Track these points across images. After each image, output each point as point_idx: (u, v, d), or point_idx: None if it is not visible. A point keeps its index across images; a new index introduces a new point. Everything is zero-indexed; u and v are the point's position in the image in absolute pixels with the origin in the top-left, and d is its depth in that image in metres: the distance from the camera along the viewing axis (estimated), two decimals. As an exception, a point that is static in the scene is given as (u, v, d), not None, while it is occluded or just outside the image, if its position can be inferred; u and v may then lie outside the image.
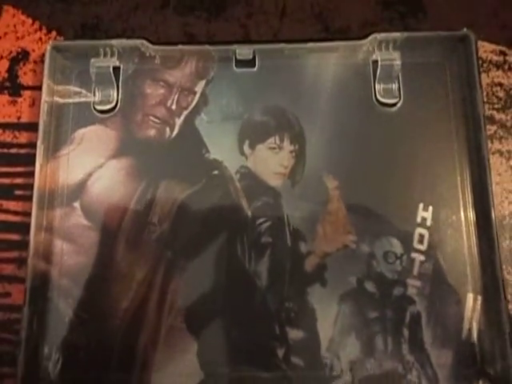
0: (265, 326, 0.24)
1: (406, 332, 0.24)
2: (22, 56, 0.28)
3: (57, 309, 0.24)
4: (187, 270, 0.25)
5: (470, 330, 0.24)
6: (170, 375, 0.24)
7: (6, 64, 0.28)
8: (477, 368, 0.24)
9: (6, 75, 0.28)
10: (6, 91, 0.27)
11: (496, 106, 0.27)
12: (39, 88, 0.27)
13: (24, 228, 0.26)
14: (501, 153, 0.26)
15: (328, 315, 0.24)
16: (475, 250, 0.25)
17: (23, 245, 0.25)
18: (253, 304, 0.24)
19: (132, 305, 0.24)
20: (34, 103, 0.27)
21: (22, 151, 0.27)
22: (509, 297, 0.25)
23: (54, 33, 0.28)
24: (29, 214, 0.25)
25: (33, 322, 0.24)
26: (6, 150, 0.27)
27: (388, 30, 0.27)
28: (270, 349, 0.24)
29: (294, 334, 0.24)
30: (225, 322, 0.24)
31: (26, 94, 0.27)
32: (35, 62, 0.28)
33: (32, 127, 0.27)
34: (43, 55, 0.27)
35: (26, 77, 0.28)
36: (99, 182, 0.26)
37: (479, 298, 0.24)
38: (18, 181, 0.26)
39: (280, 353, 0.24)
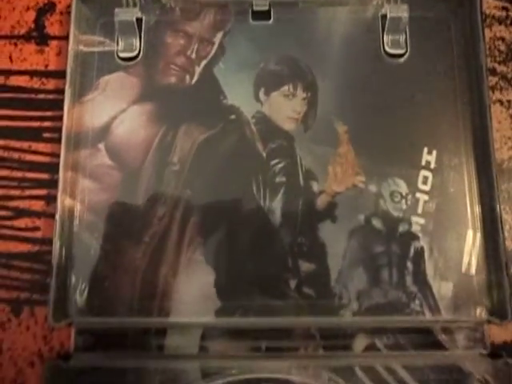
0: (278, 259, 0.25)
1: (409, 265, 0.26)
2: (49, 7, 0.29)
3: (83, 242, 0.25)
4: (205, 207, 0.26)
5: (469, 263, 0.25)
6: (188, 303, 0.25)
7: (33, 15, 0.29)
8: (475, 298, 0.25)
9: (33, 25, 0.29)
10: (33, 41, 0.28)
11: (498, 59, 0.28)
12: (65, 38, 0.28)
13: (52, 168, 0.27)
14: (501, 102, 0.27)
15: (337, 249, 0.25)
16: (475, 191, 0.26)
17: (51, 183, 0.26)
18: (267, 239, 0.26)
19: (153, 239, 0.26)
20: (61, 52, 0.28)
21: (50, 97, 0.28)
22: (506, 234, 0.26)
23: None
24: (57, 155, 0.26)
25: (62, 253, 0.25)
26: (34, 96, 0.28)
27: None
28: (283, 280, 0.25)
29: (306, 267, 0.26)
30: (241, 255, 0.25)
31: (53, 43, 0.28)
32: (61, 13, 0.29)
33: (59, 75, 0.28)
34: (69, 6, 0.28)
35: (52, 27, 0.29)
36: (122, 125, 0.27)
37: (478, 234, 0.26)
38: (46, 124, 0.28)
39: (292, 283, 0.25)
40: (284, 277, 0.25)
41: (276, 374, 0.24)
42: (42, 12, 0.29)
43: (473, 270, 0.25)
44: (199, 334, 0.25)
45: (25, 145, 0.27)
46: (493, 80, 0.28)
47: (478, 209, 0.26)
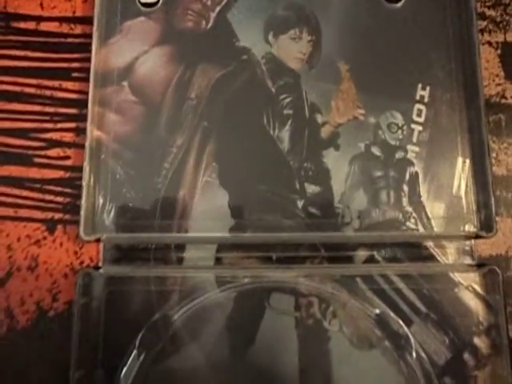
0: (286, 182, 0.27)
1: (405, 188, 0.27)
2: None
3: (109, 168, 0.27)
4: (220, 136, 0.28)
5: (459, 186, 0.27)
6: (205, 221, 0.27)
7: None
8: (464, 216, 0.27)
9: None
10: None
11: (487, 4, 0.30)
12: None
13: (81, 103, 0.29)
14: (490, 43, 0.29)
15: (340, 174, 0.27)
16: (465, 122, 0.28)
17: (80, 117, 0.28)
18: (276, 164, 0.28)
19: (172, 165, 0.28)
20: (86, 0, 0.30)
21: (77, 40, 0.30)
22: (493, 160, 0.28)
23: None
24: (84, 92, 0.29)
25: (90, 178, 0.27)
26: (63, 40, 0.30)
27: None
28: (291, 200, 0.27)
29: (312, 189, 0.27)
30: (252, 179, 0.27)
31: None
32: None
33: (85, 20, 0.30)
34: None
35: None
36: (144, 65, 0.29)
37: (467, 161, 0.27)
38: (75, 65, 0.29)
39: (299, 204, 0.27)
40: (292, 198, 0.27)
41: (284, 283, 0.26)
42: (70, -36, 0.31)
43: (462, 192, 0.27)
44: (214, 248, 0.27)
45: (56, 83, 0.29)
46: (482, 24, 0.30)
47: (467, 138, 0.28)
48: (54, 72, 0.29)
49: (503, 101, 0.29)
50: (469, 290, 0.26)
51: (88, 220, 0.27)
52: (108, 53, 0.29)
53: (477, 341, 0.26)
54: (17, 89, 0.29)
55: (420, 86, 0.28)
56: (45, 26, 0.30)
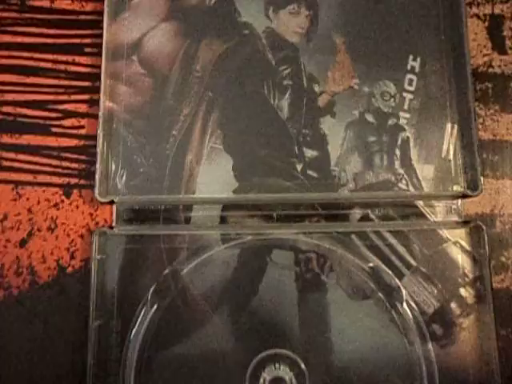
0: (286, 147, 0.29)
1: (397, 152, 0.29)
2: None
3: (121, 136, 0.29)
4: (224, 105, 0.30)
5: (447, 150, 0.29)
6: (210, 184, 0.29)
7: None
8: (452, 177, 0.29)
9: None
10: None
11: (474, -21, 0.31)
12: None
13: (93, 77, 0.31)
14: (478, 16, 0.31)
15: (336, 139, 0.29)
16: (454, 90, 0.29)
17: (93, 89, 0.30)
18: (277, 131, 0.29)
19: (180, 132, 0.29)
20: None
21: (89, 17, 0.31)
22: (479, 126, 0.30)
23: None
24: (96, 66, 0.30)
25: (104, 145, 0.29)
26: (75, 17, 0.31)
27: None
28: (291, 164, 0.29)
29: (310, 153, 0.29)
30: (254, 144, 0.29)
31: None
32: None
33: None
34: None
35: None
36: (153, 40, 0.31)
37: (456, 126, 0.29)
38: (87, 41, 0.31)
39: (299, 167, 0.29)
40: (291, 161, 0.29)
41: (285, 239, 0.28)
42: None
43: (450, 155, 0.29)
44: (219, 208, 0.29)
45: (69, 58, 0.31)
46: None
47: (455, 105, 0.29)
48: (67, 47, 0.31)
49: (490, 70, 0.30)
50: (456, 245, 0.28)
51: (102, 184, 0.28)
52: (118, 29, 0.31)
53: (463, 291, 0.28)
54: (34, 64, 0.31)
55: (411, 57, 0.30)
56: (58, 4, 0.32)
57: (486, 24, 0.31)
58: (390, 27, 0.30)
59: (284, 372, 0.27)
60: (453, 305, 0.28)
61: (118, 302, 0.28)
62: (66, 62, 0.31)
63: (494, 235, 0.28)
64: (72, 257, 0.29)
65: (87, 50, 0.31)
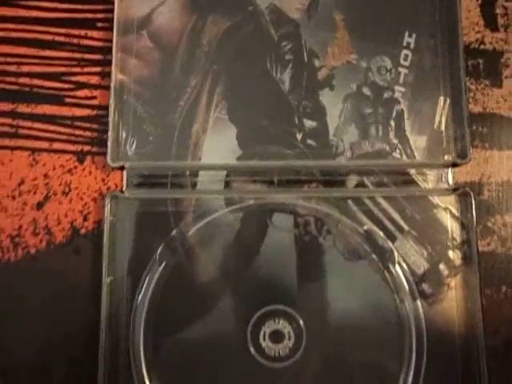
0: (287, 118, 0.30)
1: (392, 123, 0.31)
2: None
3: (131, 106, 0.31)
4: (229, 78, 0.31)
5: (439, 122, 0.30)
6: (215, 151, 0.30)
7: None
8: (443, 147, 0.30)
9: None
10: None
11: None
12: None
13: (105, 50, 0.32)
14: None
15: (334, 111, 0.31)
16: (447, 66, 0.31)
17: (104, 62, 0.32)
18: (279, 102, 0.31)
19: (187, 103, 0.31)
20: None
21: None
22: (470, 99, 0.31)
23: None
24: (108, 40, 0.32)
25: (115, 115, 0.30)
26: None
27: None
28: (291, 133, 0.30)
29: (309, 124, 0.31)
30: (257, 114, 0.30)
31: None
32: None
33: None
34: None
35: None
36: (161, 15, 0.32)
37: (448, 99, 0.30)
38: (99, 16, 0.32)
39: (299, 136, 0.30)
40: (292, 131, 0.30)
41: (285, 204, 0.30)
42: None
43: (442, 127, 0.30)
44: (224, 174, 0.30)
45: (82, 32, 0.32)
46: None
47: (448, 80, 0.31)
48: (80, 22, 0.32)
49: (482, 47, 0.32)
50: (445, 210, 0.30)
51: (114, 150, 0.30)
52: (128, 4, 0.32)
53: (451, 254, 0.29)
54: (49, 37, 0.32)
55: (407, 33, 0.31)
56: (72, -19, 0.33)
57: (479, 2, 0.32)
58: (387, 5, 0.32)
59: (282, 326, 0.29)
60: (441, 266, 0.29)
61: (129, 260, 0.29)
62: (79, 36, 0.32)
63: (481, 202, 0.30)
64: (85, 219, 0.31)
65: (99, 24, 0.32)
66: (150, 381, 0.28)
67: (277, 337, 0.29)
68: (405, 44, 0.31)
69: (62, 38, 0.32)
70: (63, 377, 0.29)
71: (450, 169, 0.30)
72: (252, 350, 0.28)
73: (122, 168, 0.30)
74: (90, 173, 0.31)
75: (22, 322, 0.30)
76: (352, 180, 0.30)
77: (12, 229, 0.30)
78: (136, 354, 0.28)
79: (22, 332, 0.30)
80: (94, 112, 0.32)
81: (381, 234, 0.29)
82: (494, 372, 0.28)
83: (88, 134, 0.31)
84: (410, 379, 0.28)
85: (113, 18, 0.31)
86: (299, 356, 0.28)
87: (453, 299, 0.29)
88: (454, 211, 0.30)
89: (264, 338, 0.29)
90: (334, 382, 0.29)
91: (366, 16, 0.31)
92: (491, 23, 0.32)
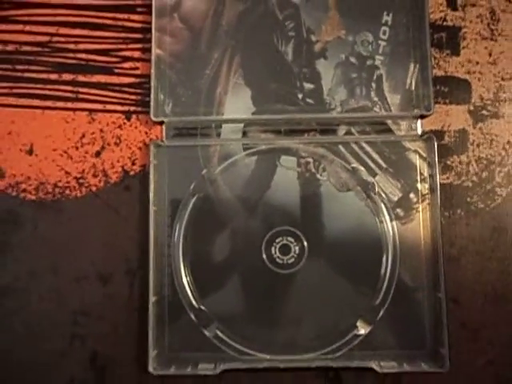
0: (290, 81, 0.37)
1: (373, 85, 0.38)
2: None
3: (167, 74, 0.37)
4: (244, 51, 0.38)
5: (410, 83, 0.37)
6: (235, 108, 0.37)
7: None
8: (413, 103, 0.37)
9: None
10: None
11: (434, -47, 0.39)
12: None
13: (145, 30, 0.39)
14: None
15: (328, 76, 0.38)
16: (416, 39, 0.37)
17: (145, 40, 0.38)
18: (283, 69, 0.38)
19: (211, 71, 0.38)
20: None
21: None
22: (434, 65, 0.38)
23: None
24: (147, 22, 0.38)
25: (155, 81, 0.37)
26: None
27: None
28: (294, 94, 0.38)
29: (308, 86, 0.38)
30: (267, 78, 0.37)
31: None
32: None
33: None
34: None
35: None
36: (189, 1, 0.39)
37: (417, 65, 0.37)
38: (139, 2, 0.39)
39: (300, 96, 0.38)
40: (294, 92, 0.38)
41: (290, 148, 0.37)
42: None
43: (413, 87, 0.37)
44: (241, 126, 0.37)
45: (126, 16, 0.39)
46: None
47: (417, 50, 0.37)
48: (124, 7, 0.39)
49: (445, 23, 0.39)
50: (415, 152, 0.37)
51: (155, 109, 0.37)
52: (163, -7, 0.39)
53: (419, 185, 0.37)
54: (99, 21, 0.39)
55: (385, 13, 0.38)
56: (116, -25, 0.40)
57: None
58: (370, -8, 0.39)
59: (289, 242, 0.36)
60: (411, 195, 0.37)
61: (169, 194, 0.37)
62: (123, 19, 0.39)
63: (442, 145, 0.37)
64: (133, 163, 0.38)
65: (139, 9, 0.39)
66: (187, 283, 0.36)
67: (285, 250, 0.36)
68: (383, 22, 0.38)
69: (109, 21, 0.39)
70: (122, 284, 0.37)
71: (418, 120, 0.37)
72: (266, 259, 0.36)
73: (161, 123, 0.37)
74: (136, 127, 0.38)
75: (88, 244, 0.37)
76: (342, 129, 0.37)
77: (77, 172, 0.38)
78: (176, 264, 0.36)
79: (88, 252, 0.37)
80: (138, 80, 0.39)
81: (364, 170, 0.37)
82: (449, 274, 0.36)
83: (133, 97, 0.39)
84: (387, 277, 0.35)
85: (150, 4, 0.38)
86: (302, 264, 0.36)
87: (420, 220, 0.36)
88: (422, 153, 0.37)
89: (275, 251, 0.36)
90: (328, 285, 0.36)
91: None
92: (452, 4, 0.39)
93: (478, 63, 0.38)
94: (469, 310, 0.36)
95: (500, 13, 0.38)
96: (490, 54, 0.38)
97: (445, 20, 0.39)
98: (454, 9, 0.39)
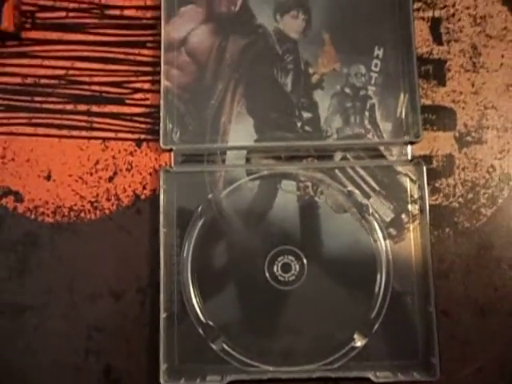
0: (290, 110, 0.40)
1: (366, 113, 0.40)
2: None
3: (175, 105, 0.40)
4: (247, 82, 0.40)
5: (400, 112, 0.39)
6: (238, 136, 0.40)
7: None
8: (403, 130, 0.40)
9: None
10: None
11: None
12: None
13: (154, 64, 0.41)
14: (423, 18, 0.41)
15: (324, 105, 0.40)
16: (405, 70, 0.39)
17: (154, 73, 0.41)
18: (283, 99, 0.40)
19: (216, 101, 0.40)
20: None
21: (150, 22, 0.42)
22: (423, 95, 0.40)
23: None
24: (156, 56, 0.41)
25: (164, 110, 0.39)
26: (139, 21, 0.41)
27: None
28: (293, 122, 0.40)
29: (306, 115, 0.40)
30: (268, 108, 0.40)
31: None
32: None
33: (154, 8, 0.41)
34: None
35: None
36: (195, 37, 0.41)
37: (407, 95, 0.40)
38: (149, 38, 0.42)
39: (299, 124, 0.40)
40: (293, 120, 0.40)
41: (290, 173, 0.39)
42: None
43: (403, 115, 0.40)
44: (245, 152, 0.40)
45: (136, 51, 0.42)
46: (418, 4, 0.41)
47: (406, 81, 0.40)
48: (134, 43, 0.42)
49: (431, 57, 0.41)
50: (405, 176, 0.39)
51: (164, 137, 0.39)
52: (171, 29, 0.41)
53: (409, 206, 0.39)
54: (111, 55, 0.42)
55: (377, 47, 0.41)
56: (127, 12, 0.42)
57: (429, 24, 0.42)
58: (362, 26, 0.41)
59: (290, 260, 0.38)
60: (403, 215, 0.39)
61: (177, 216, 0.39)
62: (134, 54, 0.42)
63: (430, 169, 0.40)
64: (144, 188, 0.40)
65: (149, 44, 0.42)
66: (195, 299, 0.38)
67: (286, 268, 0.39)
68: (375, 55, 0.41)
69: (121, 56, 0.42)
70: (134, 301, 0.39)
71: (408, 145, 0.40)
72: (268, 277, 0.38)
73: (170, 150, 0.40)
74: (146, 154, 0.41)
75: (102, 263, 0.40)
76: (338, 155, 0.40)
77: (91, 196, 0.40)
78: (185, 281, 0.38)
79: (101, 270, 0.40)
80: (148, 110, 0.41)
81: (359, 193, 0.39)
82: (439, 288, 0.38)
83: (143, 126, 0.41)
84: (382, 292, 0.38)
85: (159, 40, 0.41)
86: (302, 281, 0.38)
87: (411, 238, 0.39)
88: (412, 176, 0.39)
89: (277, 269, 0.39)
90: (326, 300, 0.38)
91: (346, 34, 0.41)
92: (437, 39, 0.41)
93: (462, 93, 0.41)
94: (458, 322, 0.39)
95: (481, 47, 0.41)
96: (473, 85, 0.41)
97: (431, 54, 0.42)
98: (440, 43, 0.42)
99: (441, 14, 0.42)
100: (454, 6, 0.42)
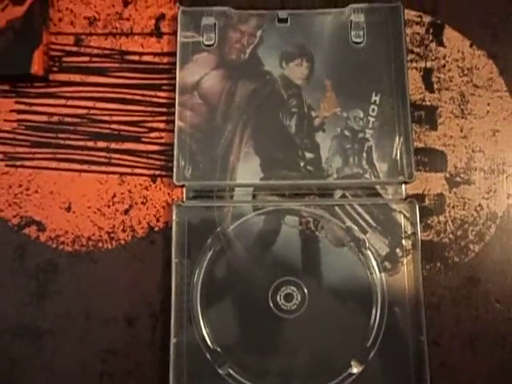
0: (293, 151, 0.43)
1: (364, 155, 0.43)
2: (162, 16, 0.46)
3: (187, 143, 0.42)
4: (254, 124, 0.43)
5: (396, 153, 0.42)
6: (246, 174, 0.42)
7: (153, 21, 0.46)
8: (398, 171, 0.42)
9: (154, 27, 0.46)
10: (154, 36, 0.45)
11: (415, 44, 0.45)
12: (173, 34, 0.45)
13: (169, 105, 0.44)
14: (416, 68, 0.44)
15: (325, 146, 0.43)
16: (400, 116, 0.42)
17: (169, 114, 0.44)
18: (287, 141, 0.43)
19: (225, 141, 0.43)
20: (170, 42, 0.45)
21: (166, 66, 0.44)
22: (416, 138, 0.43)
23: (177, 3, 0.46)
24: (171, 98, 0.44)
25: (178, 150, 0.42)
26: (156, 66, 0.44)
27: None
28: (296, 162, 0.43)
29: (308, 155, 0.43)
30: (273, 148, 0.43)
31: (165, 37, 0.45)
32: (169, 19, 0.46)
33: (170, 54, 0.44)
34: (175, 15, 0.45)
35: (165, 28, 0.46)
36: (207, 81, 0.44)
37: (402, 138, 0.42)
38: (164, 81, 0.44)
39: (301, 164, 0.43)
40: (297, 160, 0.43)
41: (293, 209, 0.42)
42: (159, 19, 0.46)
43: (398, 157, 0.42)
44: (251, 189, 0.42)
45: (152, 93, 0.44)
46: (411, 56, 0.44)
47: (401, 125, 0.43)
48: (151, 86, 0.45)
49: (423, 103, 0.44)
50: (400, 213, 0.42)
51: (177, 174, 0.42)
52: (185, 74, 0.44)
53: (403, 242, 0.41)
54: (129, 96, 0.45)
55: (374, 93, 0.44)
56: (145, 58, 0.45)
57: (421, 73, 0.45)
58: (361, 74, 0.44)
59: (292, 290, 0.41)
60: (397, 250, 0.41)
61: (188, 248, 0.41)
62: (150, 96, 0.45)
63: (423, 207, 0.43)
64: (157, 220, 0.43)
65: (164, 87, 0.45)
66: (204, 326, 0.40)
67: (288, 297, 0.41)
68: (372, 101, 0.44)
69: (139, 97, 0.45)
70: (146, 327, 0.41)
71: (402, 185, 0.42)
72: (272, 306, 0.40)
73: (182, 186, 0.42)
74: (160, 189, 0.43)
75: (117, 290, 0.42)
76: (338, 193, 0.42)
77: (108, 227, 0.43)
78: (194, 309, 0.41)
79: (116, 297, 0.42)
80: (162, 148, 0.44)
81: (357, 229, 0.42)
82: (430, 319, 0.40)
83: (158, 163, 0.44)
84: (377, 322, 0.40)
85: (174, 83, 0.44)
86: (303, 311, 0.40)
87: (405, 272, 0.41)
88: (406, 213, 0.42)
89: (280, 299, 0.41)
90: (326, 329, 0.41)
91: (346, 81, 0.44)
92: (429, 87, 0.44)
93: (452, 137, 0.44)
94: (448, 351, 0.41)
95: (469, 96, 0.44)
96: (462, 130, 0.44)
97: (424, 100, 0.45)
98: (431, 91, 0.45)
99: (432, 64, 0.45)
100: (444, 57, 0.45)
